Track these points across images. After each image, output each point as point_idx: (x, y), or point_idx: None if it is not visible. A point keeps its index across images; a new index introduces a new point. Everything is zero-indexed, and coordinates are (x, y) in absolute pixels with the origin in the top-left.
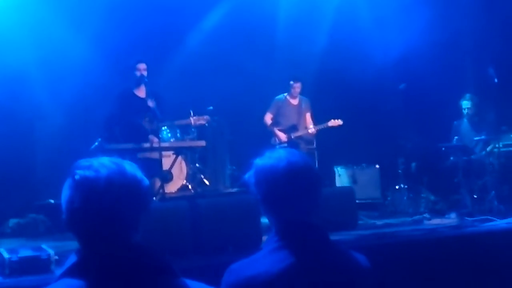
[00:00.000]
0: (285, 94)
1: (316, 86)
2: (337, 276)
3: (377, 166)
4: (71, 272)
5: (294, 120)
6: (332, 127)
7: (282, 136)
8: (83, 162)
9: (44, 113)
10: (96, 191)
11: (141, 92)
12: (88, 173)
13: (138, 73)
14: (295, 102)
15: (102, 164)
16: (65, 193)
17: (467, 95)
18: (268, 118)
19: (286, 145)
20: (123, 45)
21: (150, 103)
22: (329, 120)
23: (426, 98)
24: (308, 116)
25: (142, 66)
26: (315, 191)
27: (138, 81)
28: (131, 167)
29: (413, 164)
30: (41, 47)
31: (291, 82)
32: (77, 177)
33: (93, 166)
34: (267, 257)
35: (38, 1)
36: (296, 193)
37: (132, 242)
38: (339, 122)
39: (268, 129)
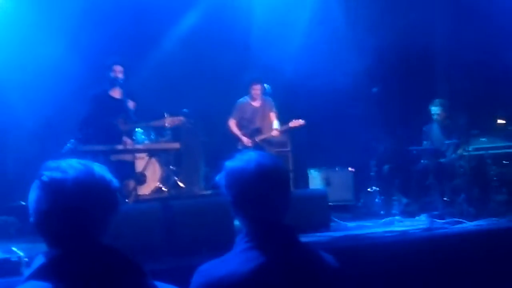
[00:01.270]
0: (247, 97)
1: (289, 88)
2: (306, 276)
3: (350, 168)
4: (38, 274)
5: (257, 123)
6: (294, 128)
7: (246, 140)
8: (51, 163)
9: (16, 114)
10: (63, 192)
11: (116, 93)
12: (56, 174)
13: (112, 74)
14: (257, 104)
15: (70, 165)
16: (33, 194)
17: (436, 101)
18: (232, 123)
19: (250, 149)
20: (98, 47)
21: (130, 104)
22: (293, 120)
23: (398, 101)
24: (272, 116)
25: (118, 68)
26: (284, 192)
27: (113, 83)
28: (99, 169)
29: (385, 167)
30: (14, 50)
31: (251, 85)
32: (44, 178)
33: (61, 167)
34: (237, 258)
35: (11, 4)
36: (265, 194)
37: (100, 243)
38: (300, 122)
39: (233, 134)
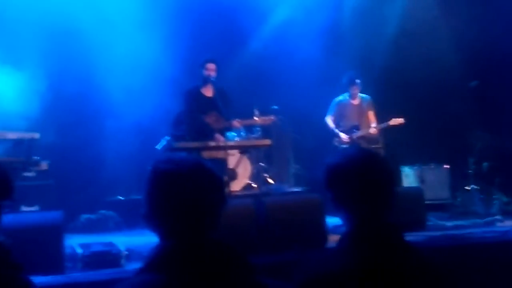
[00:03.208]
0: (345, 94)
1: (383, 83)
2: (410, 276)
3: (446, 166)
4: (151, 266)
5: (355, 121)
6: (394, 126)
7: (344, 137)
8: (164, 156)
9: (114, 111)
10: (177, 184)
11: (208, 91)
12: (169, 166)
13: (206, 73)
14: (355, 102)
15: (182, 158)
16: (147, 186)
17: None
18: (330, 120)
19: (348, 146)
20: (191, 44)
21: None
22: (392, 118)
23: (498, 96)
24: (371, 114)
25: (212, 66)
26: (388, 190)
27: (205, 80)
28: (208, 163)
29: (485, 164)
30: (113, 46)
31: (351, 86)
32: (158, 170)
33: (174, 160)
34: (340, 255)
35: (112, 5)
36: (369, 192)
37: (212, 237)
38: (400, 120)
39: (330, 131)
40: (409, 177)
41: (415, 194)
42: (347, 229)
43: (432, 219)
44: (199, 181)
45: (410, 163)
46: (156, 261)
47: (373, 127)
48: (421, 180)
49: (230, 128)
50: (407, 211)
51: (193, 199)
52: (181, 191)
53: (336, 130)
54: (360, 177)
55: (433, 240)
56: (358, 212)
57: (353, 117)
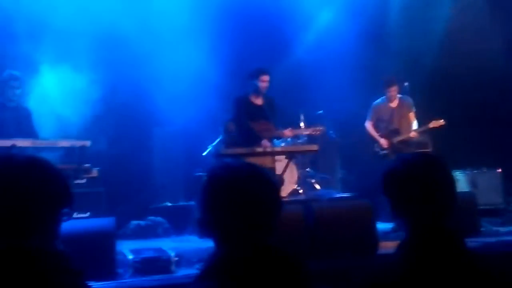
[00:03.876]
0: (383, 97)
1: (432, 84)
2: (472, 283)
3: (499, 169)
4: (210, 274)
5: (394, 124)
6: (434, 129)
7: (383, 143)
8: (220, 163)
9: (161, 119)
10: (234, 190)
11: (257, 100)
12: (226, 172)
13: (261, 85)
14: (393, 104)
15: (238, 164)
16: (203, 193)
17: None
18: (370, 126)
19: (388, 151)
20: (236, 51)
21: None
22: (433, 121)
23: None
24: (411, 116)
25: (266, 77)
26: (449, 192)
27: (258, 91)
28: (263, 169)
29: None
30: (160, 55)
31: (386, 87)
32: (215, 176)
33: (231, 166)
34: (402, 261)
35: (158, 15)
36: (430, 196)
37: (268, 244)
38: (441, 122)
39: (370, 136)
40: (460, 182)
41: (468, 199)
42: (407, 235)
43: (485, 225)
44: (256, 187)
45: (461, 167)
46: (214, 268)
47: (413, 131)
48: (473, 184)
49: (280, 137)
50: (459, 217)
51: (250, 204)
52: (239, 197)
53: (376, 136)
54: (420, 180)
55: (488, 246)
56: (419, 217)
57: (392, 121)
